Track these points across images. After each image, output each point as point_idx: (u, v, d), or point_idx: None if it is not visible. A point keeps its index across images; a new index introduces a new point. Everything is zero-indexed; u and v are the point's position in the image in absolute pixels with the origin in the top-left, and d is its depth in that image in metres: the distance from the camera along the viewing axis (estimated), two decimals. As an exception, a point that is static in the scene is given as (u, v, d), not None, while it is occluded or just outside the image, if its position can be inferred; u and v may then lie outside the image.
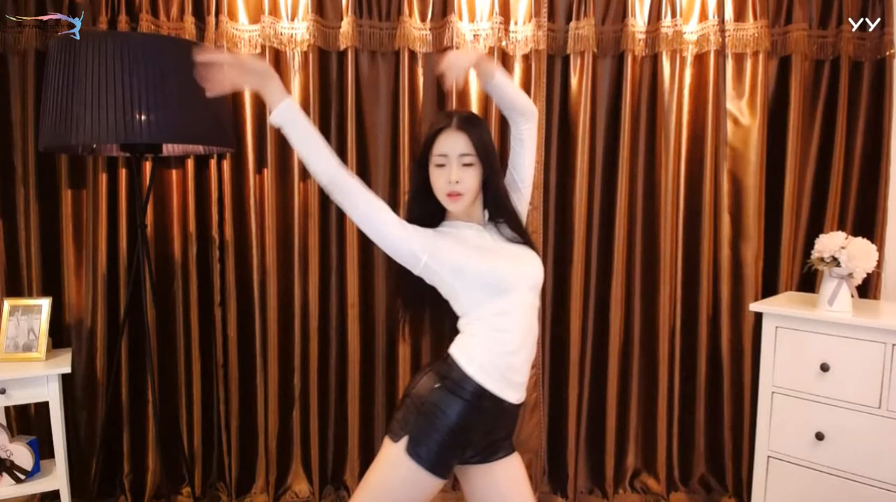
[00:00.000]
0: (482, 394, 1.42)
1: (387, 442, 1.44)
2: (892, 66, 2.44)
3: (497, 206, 1.53)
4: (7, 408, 2.48)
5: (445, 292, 1.49)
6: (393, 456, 1.41)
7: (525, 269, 1.47)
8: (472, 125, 1.46)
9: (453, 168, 1.44)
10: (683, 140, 2.56)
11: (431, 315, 1.64)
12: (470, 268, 1.42)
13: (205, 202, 2.53)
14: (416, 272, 1.46)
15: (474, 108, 2.52)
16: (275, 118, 1.37)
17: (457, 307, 1.49)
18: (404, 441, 1.40)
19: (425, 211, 1.54)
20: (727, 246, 2.58)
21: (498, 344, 1.43)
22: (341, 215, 2.56)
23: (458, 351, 1.45)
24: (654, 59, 2.52)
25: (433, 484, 1.41)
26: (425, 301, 1.59)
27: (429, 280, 1.48)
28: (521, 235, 1.54)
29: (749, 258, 2.54)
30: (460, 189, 1.44)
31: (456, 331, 1.51)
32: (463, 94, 2.51)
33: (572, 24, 2.48)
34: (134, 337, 2.50)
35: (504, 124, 2.40)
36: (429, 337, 2.59)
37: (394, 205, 2.53)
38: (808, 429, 2.15)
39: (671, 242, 2.56)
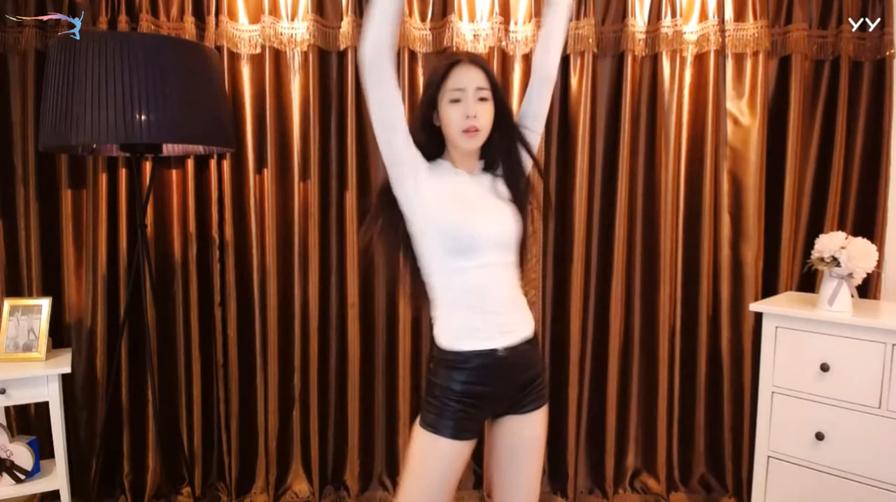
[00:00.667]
0: (465, 358, 1.43)
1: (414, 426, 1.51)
2: (892, 66, 2.44)
3: (506, 149, 1.49)
4: (7, 408, 2.47)
5: (414, 236, 1.47)
6: (415, 435, 1.47)
7: (492, 228, 1.43)
8: (484, 62, 1.45)
9: (470, 102, 1.40)
10: (683, 140, 2.56)
11: (412, 284, 1.59)
12: (437, 215, 1.40)
13: (205, 202, 2.53)
14: (399, 196, 1.44)
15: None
16: None
17: (422, 262, 1.48)
18: (419, 418, 1.47)
19: (425, 150, 1.47)
20: (727, 246, 2.58)
21: (461, 305, 1.43)
22: (341, 215, 2.56)
23: (435, 328, 1.49)
24: (654, 59, 2.52)
25: (455, 448, 1.43)
26: (402, 243, 1.55)
27: (406, 212, 1.45)
28: (517, 190, 1.50)
29: (749, 258, 2.54)
30: (478, 124, 1.40)
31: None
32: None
33: (572, 24, 2.48)
34: (134, 337, 2.50)
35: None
36: (428, 337, 2.60)
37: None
38: (808, 429, 2.15)
39: (671, 242, 2.56)
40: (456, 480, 1.47)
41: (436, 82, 1.43)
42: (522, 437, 1.52)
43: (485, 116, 1.42)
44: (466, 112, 1.40)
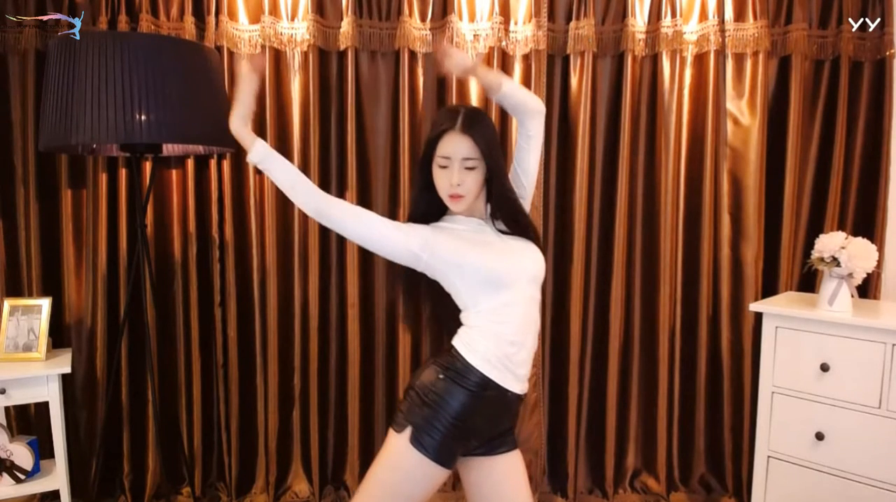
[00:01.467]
0: (486, 384, 1.42)
1: (391, 433, 1.45)
2: (892, 66, 2.44)
3: (500, 205, 1.52)
4: (7, 408, 2.47)
5: (447, 287, 1.50)
6: (397, 447, 1.42)
7: (524, 264, 1.48)
8: (476, 126, 1.44)
9: (455, 171, 1.44)
10: (683, 140, 2.56)
11: (432, 307, 1.64)
12: (468, 264, 1.43)
13: (205, 202, 2.53)
14: (420, 269, 1.48)
15: (475, 103, 2.52)
16: (252, 156, 1.44)
17: (458, 301, 1.51)
18: (408, 431, 1.40)
19: (430, 207, 1.55)
20: (727, 246, 2.58)
21: (499, 335, 1.44)
22: (341, 215, 2.56)
23: (461, 342, 1.47)
24: (654, 59, 2.52)
25: (437, 473, 1.41)
26: (422, 291, 1.60)
27: (431, 275, 1.49)
28: (524, 231, 1.53)
29: (749, 258, 2.53)
30: (462, 191, 1.45)
31: (458, 324, 1.52)
32: (462, 92, 2.51)
33: (572, 24, 2.48)
34: (134, 337, 2.50)
35: (506, 118, 2.42)
36: (428, 337, 2.60)
37: (394, 203, 2.55)
38: (808, 429, 2.15)
39: (671, 242, 2.56)
40: None
41: (428, 146, 1.48)
42: (515, 475, 1.54)
43: (470, 183, 1.45)
44: (451, 180, 1.44)
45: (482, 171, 1.46)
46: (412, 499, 1.43)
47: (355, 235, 1.44)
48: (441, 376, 1.43)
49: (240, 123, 1.45)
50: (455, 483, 2.58)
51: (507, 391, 1.45)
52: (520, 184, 1.61)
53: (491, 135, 1.47)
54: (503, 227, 1.54)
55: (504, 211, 1.52)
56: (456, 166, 1.44)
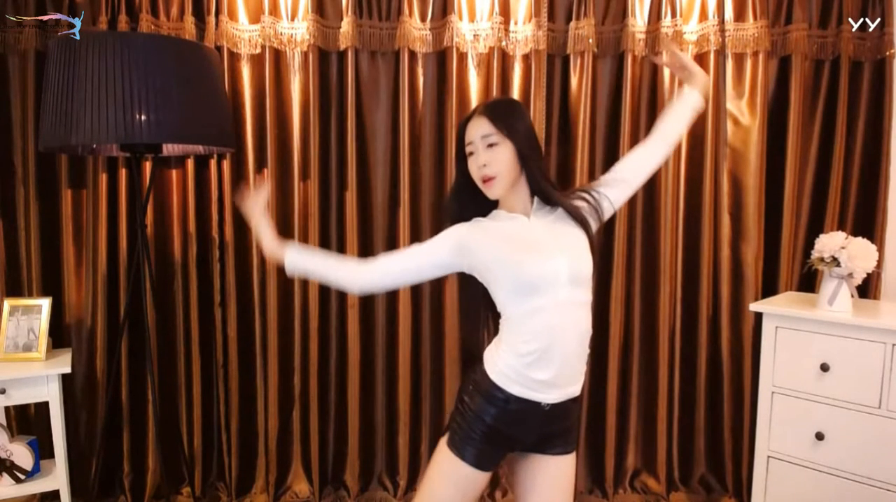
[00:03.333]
0: (508, 398, 1.41)
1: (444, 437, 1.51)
2: (892, 66, 2.44)
3: (534, 185, 1.47)
4: (7, 408, 2.47)
5: (487, 286, 1.49)
6: (440, 448, 1.49)
7: (558, 265, 1.38)
8: (493, 108, 1.46)
9: (479, 152, 1.44)
10: (683, 140, 2.56)
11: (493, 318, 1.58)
12: (499, 267, 1.41)
13: (205, 202, 2.53)
14: (467, 272, 1.50)
15: (474, 104, 2.52)
16: (289, 267, 1.57)
17: (497, 304, 1.48)
18: (447, 436, 1.48)
19: (474, 204, 1.52)
20: (727, 246, 2.58)
21: (517, 346, 1.40)
22: (341, 215, 2.57)
23: (488, 355, 1.47)
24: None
25: (475, 476, 1.44)
26: (482, 309, 1.57)
27: (474, 274, 1.50)
28: (571, 210, 1.46)
29: (749, 258, 2.53)
30: (490, 172, 1.42)
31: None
32: (463, 92, 2.51)
33: (572, 24, 2.48)
34: (134, 337, 2.50)
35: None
36: (429, 338, 2.60)
37: (394, 203, 2.55)
38: (808, 429, 2.15)
39: (671, 242, 2.56)
40: None
41: (458, 141, 1.51)
42: (556, 480, 1.49)
43: (497, 161, 1.42)
44: (478, 163, 1.44)
45: (509, 149, 1.42)
46: (441, 494, 1.46)
47: (402, 281, 1.58)
48: (471, 388, 1.47)
49: (272, 246, 1.61)
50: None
51: (532, 402, 1.41)
52: (616, 183, 1.55)
53: (512, 114, 1.45)
54: (561, 216, 1.47)
55: (540, 191, 1.48)
56: (479, 147, 1.44)
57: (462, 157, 1.50)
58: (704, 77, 1.67)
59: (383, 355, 2.62)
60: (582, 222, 1.46)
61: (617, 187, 1.56)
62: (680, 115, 1.64)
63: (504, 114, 1.44)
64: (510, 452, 1.51)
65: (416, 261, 1.51)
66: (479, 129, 1.44)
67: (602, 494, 2.66)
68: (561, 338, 1.38)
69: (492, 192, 1.45)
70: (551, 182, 1.51)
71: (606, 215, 1.55)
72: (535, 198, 1.49)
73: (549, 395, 1.41)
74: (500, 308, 1.46)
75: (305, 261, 1.56)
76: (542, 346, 1.37)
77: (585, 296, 1.44)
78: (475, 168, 1.45)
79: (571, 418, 1.50)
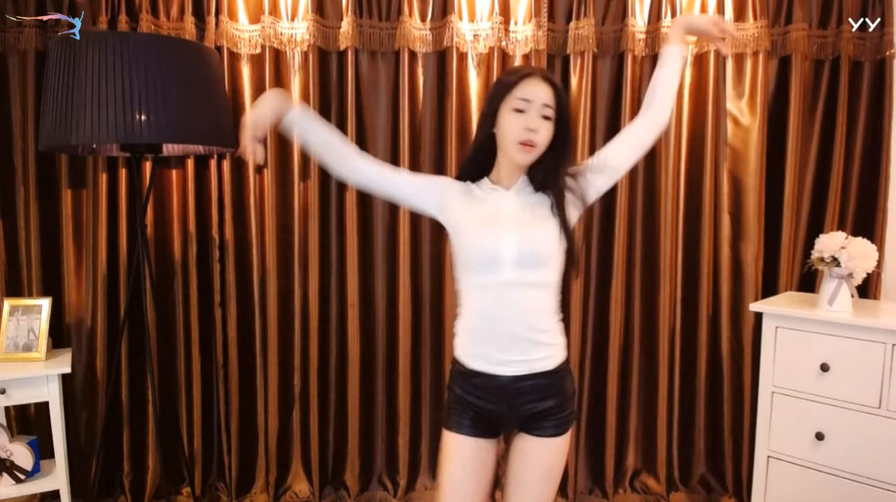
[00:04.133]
0: (467, 372, 1.46)
1: None
2: (892, 66, 2.44)
3: (551, 172, 1.43)
4: (7, 408, 2.47)
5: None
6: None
7: (503, 245, 1.37)
8: (558, 85, 1.42)
9: (533, 115, 1.37)
10: (683, 140, 2.56)
11: None
12: (456, 236, 1.45)
13: (205, 202, 2.53)
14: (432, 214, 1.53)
15: (474, 108, 2.53)
16: (294, 117, 1.49)
17: (455, 274, 1.50)
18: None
19: (481, 167, 1.51)
20: (727, 246, 2.58)
21: (472, 321, 1.43)
22: (341, 215, 2.56)
23: (455, 336, 1.51)
24: (654, 59, 2.49)
25: (465, 443, 1.46)
26: None
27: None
28: (562, 209, 1.43)
29: (749, 258, 2.53)
30: (536, 139, 1.37)
31: None
32: (463, 92, 2.51)
33: (572, 24, 2.48)
34: (134, 337, 2.50)
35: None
36: (428, 337, 2.60)
37: (393, 204, 2.55)
38: (808, 429, 2.15)
39: (671, 242, 2.56)
40: (475, 482, 1.46)
41: (503, 90, 1.40)
42: (530, 461, 1.46)
43: (544, 134, 1.39)
44: (527, 125, 1.37)
45: (552, 129, 1.40)
46: (457, 477, 1.46)
47: (371, 185, 1.54)
48: (452, 364, 1.53)
49: (274, 99, 1.50)
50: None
51: (491, 376, 1.42)
52: (600, 170, 1.50)
53: (566, 97, 1.43)
54: (539, 201, 1.46)
55: (551, 182, 1.44)
56: (535, 110, 1.37)
57: (493, 112, 1.42)
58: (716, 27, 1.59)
59: (383, 355, 2.62)
60: (562, 213, 1.44)
61: (605, 174, 1.50)
62: (667, 79, 1.55)
63: (563, 97, 1.41)
64: (501, 428, 1.50)
65: (401, 178, 1.53)
66: (545, 96, 1.38)
67: (602, 494, 2.66)
68: (498, 316, 1.39)
69: (522, 157, 1.40)
70: (567, 170, 1.46)
71: (590, 201, 1.52)
72: (525, 176, 1.47)
73: (504, 369, 1.42)
74: (458, 276, 1.48)
75: (311, 120, 1.51)
76: (477, 324, 1.42)
77: (538, 276, 1.41)
78: (519, 126, 1.37)
79: (555, 395, 1.45)
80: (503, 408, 1.45)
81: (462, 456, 1.47)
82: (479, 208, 1.45)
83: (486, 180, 1.50)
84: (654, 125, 1.55)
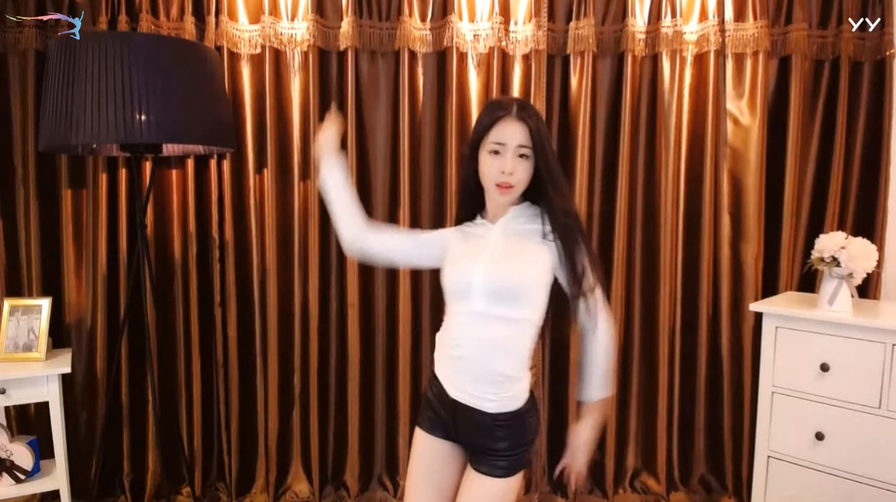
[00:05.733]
0: (433, 375, 1.52)
1: None
2: (892, 66, 2.44)
3: (542, 198, 1.44)
4: (7, 408, 2.47)
5: None
6: None
7: (472, 277, 1.39)
8: (531, 115, 1.41)
9: (508, 158, 1.39)
10: (683, 140, 2.56)
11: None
12: (444, 266, 1.49)
13: (205, 202, 2.53)
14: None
15: (474, 108, 2.53)
16: (322, 174, 1.59)
17: None
18: None
19: (471, 208, 1.55)
20: (727, 246, 2.58)
21: (443, 334, 1.50)
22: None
23: None
24: (654, 59, 2.52)
25: (426, 440, 1.52)
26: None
27: None
28: (565, 231, 1.41)
29: (749, 258, 2.53)
30: (512, 181, 1.40)
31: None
32: (463, 92, 2.51)
33: (572, 24, 2.48)
34: (134, 337, 2.50)
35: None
36: (429, 337, 2.60)
37: (394, 204, 2.55)
38: (808, 429, 2.15)
39: (671, 242, 2.56)
40: (434, 481, 1.49)
41: (478, 134, 1.43)
42: (464, 489, 1.45)
43: (522, 173, 1.41)
44: (503, 167, 1.39)
45: (531, 165, 1.41)
46: (418, 474, 1.52)
47: (382, 256, 1.61)
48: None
49: (325, 141, 1.60)
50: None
51: (445, 390, 1.46)
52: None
53: (543, 126, 1.42)
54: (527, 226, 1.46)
55: (555, 208, 1.42)
56: (510, 153, 1.39)
57: (475, 151, 1.45)
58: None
59: (383, 355, 2.62)
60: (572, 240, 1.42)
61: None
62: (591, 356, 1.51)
63: (537, 125, 1.40)
64: (455, 440, 1.50)
65: (409, 246, 1.59)
66: (518, 137, 1.39)
67: (602, 494, 2.66)
68: (464, 345, 1.41)
69: (501, 199, 1.44)
70: (568, 193, 1.46)
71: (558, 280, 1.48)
72: (517, 207, 1.47)
73: (453, 390, 1.45)
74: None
75: (335, 181, 1.58)
76: (444, 338, 1.48)
77: (510, 312, 1.38)
78: (496, 169, 1.39)
79: (486, 434, 1.42)
80: (451, 422, 1.48)
81: (424, 454, 1.52)
82: (467, 243, 1.50)
83: (478, 217, 1.54)
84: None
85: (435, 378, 1.51)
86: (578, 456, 1.53)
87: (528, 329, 1.42)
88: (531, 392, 1.48)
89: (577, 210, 1.49)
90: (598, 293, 1.47)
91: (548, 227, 1.43)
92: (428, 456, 1.52)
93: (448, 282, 1.46)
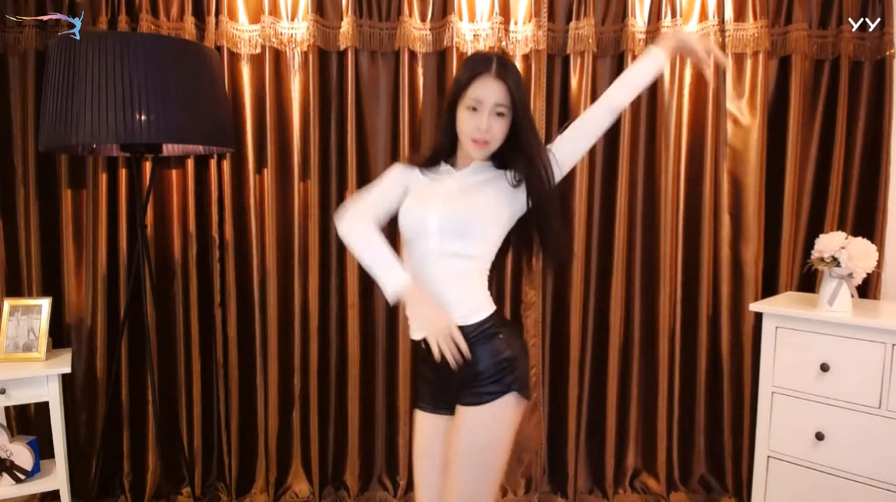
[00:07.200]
0: (416, 344, 1.55)
1: None
2: (892, 66, 2.44)
3: (521, 160, 1.45)
4: (7, 408, 2.48)
5: None
6: None
7: (427, 215, 1.45)
8: (510, 73, 1.42)
9: (485, 115, 1.41)
10: (683, 140, 2.56)
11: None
12: (401, 209, 1.52)
13: (205, 202, 2.53)
14: None
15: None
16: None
17: None
18: None
19: (441, 155, 1.56)
20: (727, 246, 2.58)
21: None
22: (341, 215, 2.57)
23: None
24: (654, 59, 2.52)
25: (421, 417, 1.57)
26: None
27: None
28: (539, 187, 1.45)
29: (749, 258, 2.53)
30: (488, 137, 1.42)
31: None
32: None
33: (572, 24, 2.48)
34: (134, 337, 2.50)
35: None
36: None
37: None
38: (808, 429, 2.15)
39: (671, 242, 2.56)
40: (435, 457, 1.51)
41: (457, 89, 1.44)
42: (457, 433, 1.44)
43: (498, 131, 1.43)
44: (479, 124, 1.41)
45: (508, 122, 1.43)
46: (418, 449, 1.56)
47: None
48: None
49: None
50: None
51: (418, 342, 1.51)
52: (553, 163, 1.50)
53: (522, 85, 1.44)
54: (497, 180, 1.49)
55: (523, 166, 1.45)
56: (486, 111, 1.41)
57: (454, 104, 1.45)
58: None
59: (383, 355, 2.62)
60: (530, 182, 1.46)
61: (559, 168, 1.51)
62: (638, 78, 1.54)
63: (516, 83, 1.41)
64: (452, 401, 1.49)
65: (389, 203, 1.54)
66: (494, 94, 1.40)
67: (602, 494, 2.66)
68: (425, 284, 1.45)
69: (477, 153, 1.46)
70: (539, 156, 1.45)
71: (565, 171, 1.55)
72: (483, 162, 1.50)
73: (421, 334, 1.48)
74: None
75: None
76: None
77: (462, 247, 1.44)
78: (472, 126, 1.42)
79: (478, 361, 1.42)
80: (443, 378, 1.48)
81: (423, 431, 1.56)
82: (422, 186, 1.53)
83: (446, 166, 1.56)
84: (610, 117, 1.52)
85: (416, 344, 1.54)
86: (695, 44, 1.55)
87: (480, 262, 1.49)
88: (501, 314, 1.53)
89: (550, 163, 1.48)
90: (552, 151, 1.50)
91: (515, 175, 1.47)
92: (427, 435, 1.55)
93: (404, 220, 1.50)
